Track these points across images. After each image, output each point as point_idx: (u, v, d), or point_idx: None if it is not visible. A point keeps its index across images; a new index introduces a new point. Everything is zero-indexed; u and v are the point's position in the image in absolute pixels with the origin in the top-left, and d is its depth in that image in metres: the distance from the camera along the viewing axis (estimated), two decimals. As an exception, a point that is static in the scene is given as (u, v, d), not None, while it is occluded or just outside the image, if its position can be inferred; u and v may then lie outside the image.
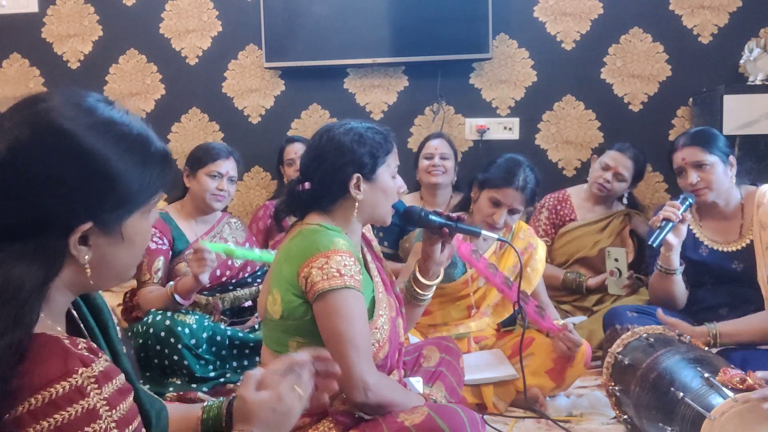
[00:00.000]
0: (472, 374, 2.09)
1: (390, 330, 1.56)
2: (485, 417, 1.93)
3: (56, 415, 0.72)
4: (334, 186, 1.53)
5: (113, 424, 0.75)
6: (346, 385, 1.40)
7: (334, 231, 1.51)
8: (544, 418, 2.06)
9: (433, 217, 1.64)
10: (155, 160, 0.87)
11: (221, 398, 1.11)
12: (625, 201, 3.01)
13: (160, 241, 2.40)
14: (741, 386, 1.51)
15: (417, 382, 1.72)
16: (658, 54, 3.31)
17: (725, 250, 2.28)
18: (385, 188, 1.58)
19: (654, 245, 2.12)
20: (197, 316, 2.32)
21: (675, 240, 2.15)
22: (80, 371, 0.74)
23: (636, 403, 1.79)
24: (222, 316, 2.47)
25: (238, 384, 2.29)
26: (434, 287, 1.75)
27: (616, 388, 1.90)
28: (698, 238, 2.33)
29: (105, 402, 0.75)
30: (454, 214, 1.67)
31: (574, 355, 2.11)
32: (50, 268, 0.79)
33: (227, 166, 2.51)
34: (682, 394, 1.56)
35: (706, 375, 1.58)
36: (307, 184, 1.55)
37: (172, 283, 2.30)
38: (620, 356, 1.91)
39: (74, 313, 0.93)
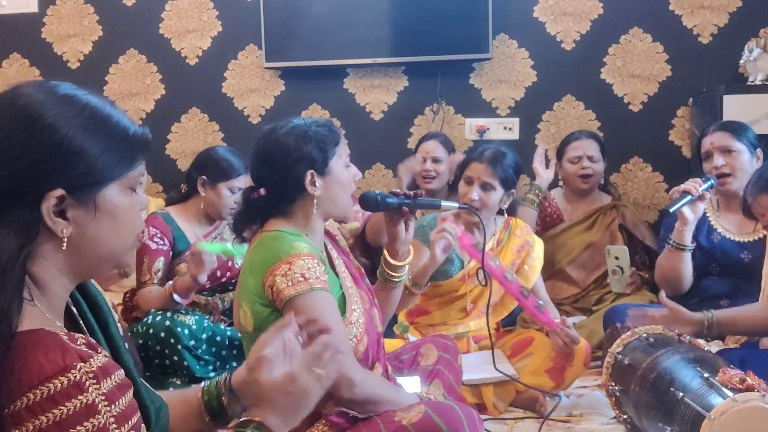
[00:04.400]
0: (471, 374, 2.08)
1: (366, 322, 1.56)
2: (485, 418, 1.93)
3: (55, 410, 0.72)
4: (289, 187, 1.52)
5: (112, 419, 0.75)
6: (333, 383, 1.40)
7: (294, 235, 1.49)
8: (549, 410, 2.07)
9: (390, 200, 1.64)
10: (125, 133, 0.88)
11: (218, 377, 1.09)
12: (601, 181, 3.00)
13: (161, 242, 2.40)
14: (740, 386, 1.51)
15: (411, 382, 1.71)
16: (658, 54, 3.31)
17: (737, 239, 2.35)
18: (341, 179, 1.57)
19: (670, 210, 2.17)
20: (197, 317, 2.32)
21: (691, 215, 2.20)
22: (78, 366, 0.74)
23: (636, 403, 1.79)
24: (222, 317, 2.47)
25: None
26: (406, 267, 1.74)
27: (616, 388, 1.90)
28: (713, 226, 2.40)
29: (104, 397, 0.75)
30: (411, 192, 1.67)
31: (572, 352, 2.11)
32: (25, 237, 0.79)
33: (245, 181, 2.50)
34: (681, 394, 1.56)
35: (706, 375, 1.58)
36: (262, 191, 1.54)
37: (170, 282, 2.30)
38: (620, 356, 1.91)
39: (74, 309, 0.93)
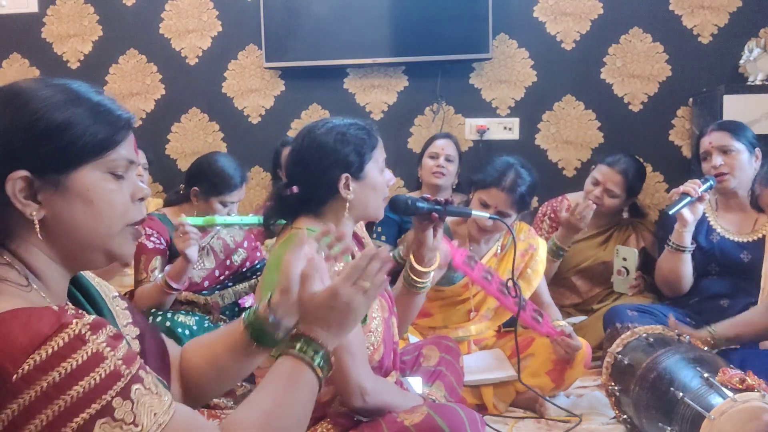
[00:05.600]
0: (471, 375, 2.08)
1: (384, 331, 1.55)
2: (485, 417, 1.93)
3: (64, 364, 0.74)
4: (323, 188, 1.51)
5: (120, 362, 0.77)
6: (344, 391, 1.39)
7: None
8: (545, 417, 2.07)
9: (420, 204, 1.62)
10: (103, 115, 0.88)
11: (256, 306, 1.10)
12: (625, 215, 2.96)
13: (158, 241, 2.39)
14: (740, 386, 1.51)
15: (416, 382, 1.71)
16: (658, 54, 3.31)
17: (736, 239, 2.35)
18: (375, 184, 1.55)
19: (670, 213, 2.17)
20: (197, 318, 2.32)
21: (690, 216, 2.19)
22: (75, 322, 0.76)
23: (635, 402, 1.79)
24: (221, 316, 2.47)
25: (239, 385, 2.29)
26: (431, 273, 1.73)
27: (616, 387, 1.90)
28: (712, 226, 2.39)
29: (105, 344, 0.77)
30: (442, 198, 1.66)
31: (573, 358, 2.11)
32: None
33: (240, 195, 2.48)
34: (681, 393, 1.56)
35: (706, 375, 1.58)
36: (294, 188, 1.53)
37: (161, 274, 2.28)
38: (620, 356, 1.91)
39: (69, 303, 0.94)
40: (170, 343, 1.10)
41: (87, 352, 0.75)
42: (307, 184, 1.52)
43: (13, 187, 0.82)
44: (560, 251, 2.68)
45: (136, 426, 0.76)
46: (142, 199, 0.93)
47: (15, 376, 0.72)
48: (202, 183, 2.45)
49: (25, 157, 0.82)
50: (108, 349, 0.77)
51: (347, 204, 1.52)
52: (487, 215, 1.83)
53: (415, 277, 1.71)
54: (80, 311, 0.80)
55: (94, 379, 0.75)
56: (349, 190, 1.51)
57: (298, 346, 0.97)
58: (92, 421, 0.74)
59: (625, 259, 2.67)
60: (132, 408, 0.76)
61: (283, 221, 1.59)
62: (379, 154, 1.57)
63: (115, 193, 0.88)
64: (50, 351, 0.73)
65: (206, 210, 2.45)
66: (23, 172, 0.82)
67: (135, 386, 0.78)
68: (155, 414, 0.78)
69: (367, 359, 1.45)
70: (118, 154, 0.88)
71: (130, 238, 0.92)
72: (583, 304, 2.91)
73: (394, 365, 1.64)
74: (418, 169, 3.14)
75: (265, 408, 0.92)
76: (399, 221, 2.89)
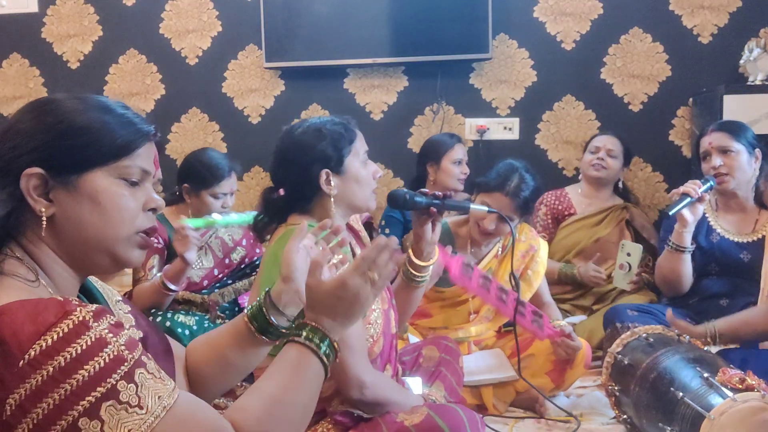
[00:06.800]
0: (471, 375, 2.08)
1: (383, 323, 1.56)
2: (485, 418, 1.93)
3: (69, 349, 0.76)
4: (306, 186, 1.52)
5: (123, 347, 0.80)
6: (343, 383, 1.40)
7: None
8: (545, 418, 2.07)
9: (418, 199, 1.61)
10: (128, 128, 0.92)
11: (258, 299, 1.11)
12: (620, 186, 3.05)
13: (155, 240, 2.39)
14: (740, 386, 1.51)
15: (415, 382, 1.71)
16: (658, 54, 3.31)
17: (736, 239, 2.35)
18: (357, 177, 1.56)
19: (670, 213, 2.18)
20: (197, 318, 2.32)
21: (690, 217, 2.19)
22: (79, 309, 0.79)
23: (635, 403, 1.79)
24: (220, 314, 2.47)
25: (239, 385, 2.28)
26: (430, 267, 1.72)
27: (616, 388, 1.90)
28: (712, 226, 2.40)
29: (107, 330, 0.80)
30: (440, 192, 1.64)
31: (573, 359, 2.11)
32: (7, 208, 0.85)
33: (230, 185, 2.47)
34: (681, 393, 1.56)
35: (706, 375, 1.58)
36: (281, 191, 1.54)
37: (159, 273, 2.28)
38: (620, 356, 1.91)
39: None
40: (175, 344, 1.11)
41: (91, 338, 0.78)
42: (292, 184, 1.54)
43: (27, 183, 0.85)
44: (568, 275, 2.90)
45: (141, 408, 0.78)
46: (154, 210, 0.95)
47: (22, 361, 0.74)
48: (191, 178, 2.45)
49: (43, 155, 0.86)
50: (110, 335, 0.79)
51: (332, 200, 1.52)
52: (486, 209, 1.82)
53: (413, 271, 1.70)
54: (83, 302, 0.82)
55: (99, 364, 0.77)
56: (330, 185, 1.52)
57: (303, 334, 0.97)
58: (98, 403, 0.76)
59: (629, 255, 2.66)
60: (137, 391, 0.79)
61: (275, 224, 1.60)
62: (360, 147, 1.58)
63: (126, 198, 0.91)
64: (56, 336, 0.76)
65: (199, 205, 2.44)
66: (38, 170, 0.86)
67: (139, 370, 0.80)
68: (160, 397, 0.80)
69: (366, 352, 1.45)
70: (132, 162, 0.91)
71: (136, 245, 0.93)
72: (583, 296, 2.92)
73: (390, 358, 1.64)
74: (429, 171, 3.08)
75: (271, 394, 0.92)
76: (404, 221, 2.89)
